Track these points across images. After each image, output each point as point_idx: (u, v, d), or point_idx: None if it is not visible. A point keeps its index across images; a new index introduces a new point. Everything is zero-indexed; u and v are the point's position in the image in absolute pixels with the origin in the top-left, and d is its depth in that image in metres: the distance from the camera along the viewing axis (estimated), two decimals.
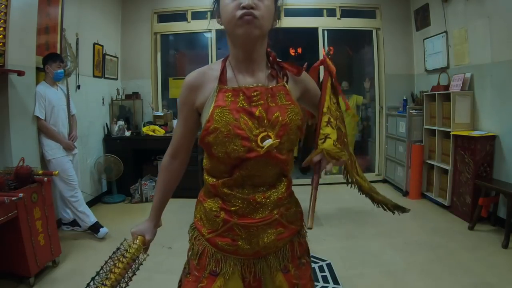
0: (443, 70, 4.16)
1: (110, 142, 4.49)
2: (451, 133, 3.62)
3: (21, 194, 2.15)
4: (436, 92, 3.96)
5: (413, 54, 4.96)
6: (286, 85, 1.00)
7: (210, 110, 0.94)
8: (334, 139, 0.98)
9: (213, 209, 1.01)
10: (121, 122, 4.57)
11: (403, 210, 1.18)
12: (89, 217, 3.17)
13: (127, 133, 4.58)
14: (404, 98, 4.64)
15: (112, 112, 4.72)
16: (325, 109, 1.03)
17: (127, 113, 4.84)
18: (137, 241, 1.07)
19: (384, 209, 1.19)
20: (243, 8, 0.87)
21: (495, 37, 3.31)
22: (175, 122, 4.77)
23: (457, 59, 3.94)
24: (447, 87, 3.92)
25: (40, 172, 2.53)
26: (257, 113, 0.93)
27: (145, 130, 4.57)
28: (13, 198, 2.08)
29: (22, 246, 2.26)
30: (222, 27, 0.95)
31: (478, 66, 3.58)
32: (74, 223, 3.30)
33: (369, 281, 2.39)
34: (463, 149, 3.50)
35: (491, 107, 3.45)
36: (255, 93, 0.95)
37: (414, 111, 4.33)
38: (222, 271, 1.01)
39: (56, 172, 2.62)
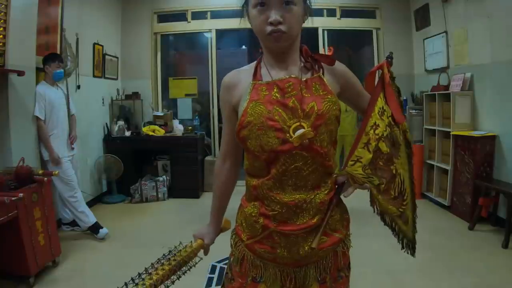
0: (443, 70, 4.16)
1: (110, 142, 4.49)
2: (451, 133, 3.62)
3: (21, 194, 2.15)
4: (436, 92, 3.96)
5: (413, 54, 4.95)
6: (322, 76, 0.98)
7: (245, 105, 0.94)
8: (365, 164, 0.96)
9: (253, 214, 0.99)
10: (121, 122, 4.57)
11: (412, 251, 1.16)
12: (89, 217, 3.16)
13: (127, 133, 4.58)
14: (404, 98, 4.63)
15: (112, 112, 4.72)
16: (368, 128, 0.99)
17: (127, 113, 4.84)
18: (194, 244, 1.07)
19: (399, 242, 1.14)
20: (271, 23, 0.88)
21: (495, 37, 3.31)
22: (175, 122, 4.78)
23: (457, 59, 3.93)
24: (447, 87, 3.91)
25: (40, 172, 2.53)
26: (290, 103, 0.91)
27: (145, 130, 4.57)
28: (13, 198, 2.08)
29: (22, 246, 2.25)
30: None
31: (478, 66, 3.58)
32: (74, 223, 3.30)
33: (369, 281, 2.39)
34: (463, 149, 3.50)
35: (491, 107, 3.45)
36: (288, 84, 0.93)
37: (414, 111, 4.34)
38: (263, 278, 1.00)
39: (56, 172, 2.62)
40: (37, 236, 2.39)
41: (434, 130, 3.98)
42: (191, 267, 1.04)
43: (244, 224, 1.03)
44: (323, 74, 0.98)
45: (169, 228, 3.32)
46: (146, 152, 4.72)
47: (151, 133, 4.53)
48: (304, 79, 0.95)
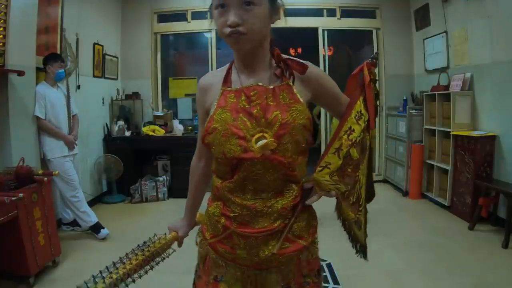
0: (443, 70, 4.16)
1: (110, 142, 4.49)
2: (451, 133, 3.62)
3: (21, 194, 2.15)
4: (436, 92, 3.96)
5: (413, 54, 4.95)
6: (291, 84, 0.94)
7: (213, 111, 0.95)
8: (333, 170, 0.95)
9: (215, 214, 0.99)
10: (121, 122, 4.57)
11: (364, 256, 1.19)
12: (91, 216, 3.17)
13: (127, 133, 4.57)
14: (404, 98, 4.64)
15: (112, 112, 4.72)
16: (341, 133, 0.96)
17: (127, 113, 4.84)
18: (168, 236, 1.10)
19: (352, 245, 1.17)
20: (229, 26, 0.86)
21: (495, 37, 3.31)
22: (175, 122, 4.78)
23: (457, 59, 3.93)
24: (447, 87, 3.91)
25: (40, 172, 2.53)
26: (255, 112, 0.90)
27: (145, 130, 4.57)
28: (13, 198, 2.08)
29: (22, 246, 2.26)
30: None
31: (478, 66, 3.58)
32: (74, 223, 3.30)
33: (369, 281, 2.39)
34: (463, 149, 3.50)
35: (491, 107, 3.45)
36: (253, 92, 0.92)
37: (414, 111, 4.33)
38: (224, 278, 1.00)
39: (56, 172, 2.62)
40: (37, 236, 2.39)
41: (434, 130, 3.98)
42: (164, 258, 1.07)
43: (208, 223, 1.04)
44: (293, 81, 0.94)
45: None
46: (146, 152, 4.72)
47: (151, 133, 4.53)
48: (272, 86, 0.93)
